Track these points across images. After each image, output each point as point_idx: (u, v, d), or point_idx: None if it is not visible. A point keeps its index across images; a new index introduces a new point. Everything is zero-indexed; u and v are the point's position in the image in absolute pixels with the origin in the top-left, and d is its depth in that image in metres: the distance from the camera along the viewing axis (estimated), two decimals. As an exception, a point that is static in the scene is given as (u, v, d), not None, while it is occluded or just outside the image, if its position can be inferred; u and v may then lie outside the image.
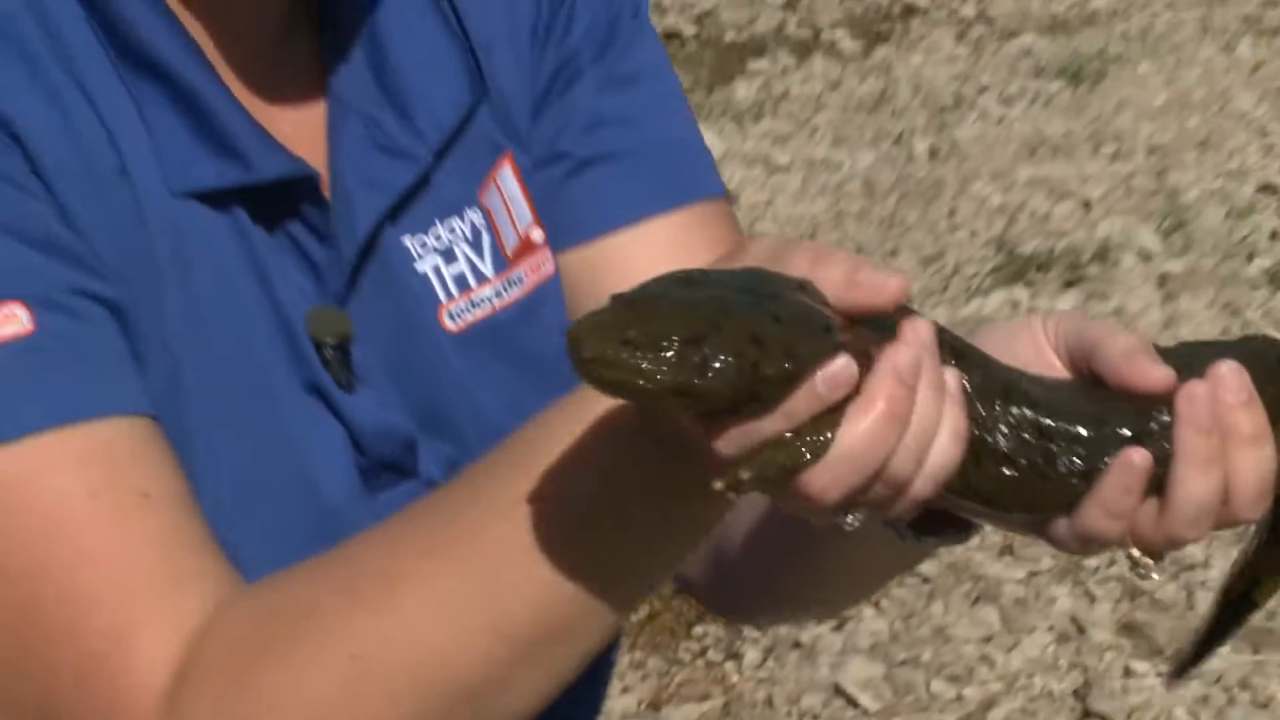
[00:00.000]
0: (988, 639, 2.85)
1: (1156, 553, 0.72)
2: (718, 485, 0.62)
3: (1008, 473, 0.67)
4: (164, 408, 0.81)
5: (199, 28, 0.84)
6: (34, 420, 0.73)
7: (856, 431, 0.61)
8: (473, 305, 0.92)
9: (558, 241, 0.97)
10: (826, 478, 0.61)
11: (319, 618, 0.73)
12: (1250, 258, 3.89)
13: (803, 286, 0.63)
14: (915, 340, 0.62)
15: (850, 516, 0.67)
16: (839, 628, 2.78)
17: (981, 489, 0.68)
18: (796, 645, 2.82)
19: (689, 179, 0.98)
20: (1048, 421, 0.68)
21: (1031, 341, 0.74)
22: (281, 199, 0.85)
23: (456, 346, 0.91)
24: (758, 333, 0.60)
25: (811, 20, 5.54)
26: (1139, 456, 0.68)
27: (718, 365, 0.59)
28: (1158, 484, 0.68)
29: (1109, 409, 0.70)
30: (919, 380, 0.62)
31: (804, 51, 5.32)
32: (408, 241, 0.89)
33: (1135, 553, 0.72)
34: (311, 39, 0.90)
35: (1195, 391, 0.69)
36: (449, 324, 0.91)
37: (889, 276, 0.64)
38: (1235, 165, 4.37)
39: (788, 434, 0.61)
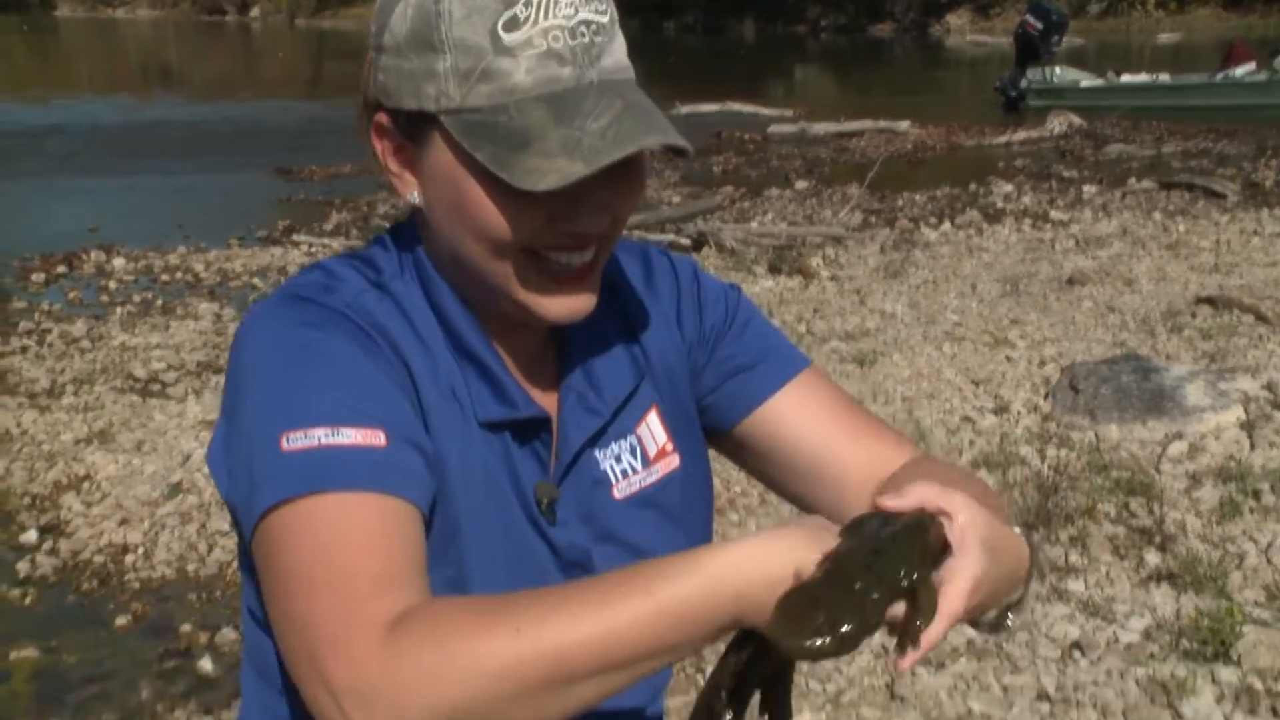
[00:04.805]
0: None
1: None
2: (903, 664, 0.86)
3: None
4: (449, 519, 1.01)
5: (497, 340, 1.07)
6: (366, 484, 0.91)
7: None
8: (630, 485, 1.13)
9: (737, 415, 1.18)
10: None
11: (504, 609, 0.85)
12: (961, 454, 4.90)
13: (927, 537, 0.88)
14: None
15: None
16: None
17: None
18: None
19: (791, 362, 1.19)
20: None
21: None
22: (530, 428, 1.07)
23: (622, 506, 1.12)
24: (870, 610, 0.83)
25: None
26: None
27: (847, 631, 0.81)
28: None
29: None
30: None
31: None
32: (598, 453, 1.12)
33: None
34: (554, 348, 1.12)
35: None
36: (617, 495, 1.12)
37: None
38: (947, 407, 5.43)
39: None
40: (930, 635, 0.88)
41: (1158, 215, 10.02)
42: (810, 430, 1.17)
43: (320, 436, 0.91)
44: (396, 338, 1.02)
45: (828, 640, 0.83)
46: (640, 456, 1.15)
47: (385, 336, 1.01)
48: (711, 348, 1.19)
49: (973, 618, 0.95)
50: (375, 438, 0.93)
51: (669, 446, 1.17)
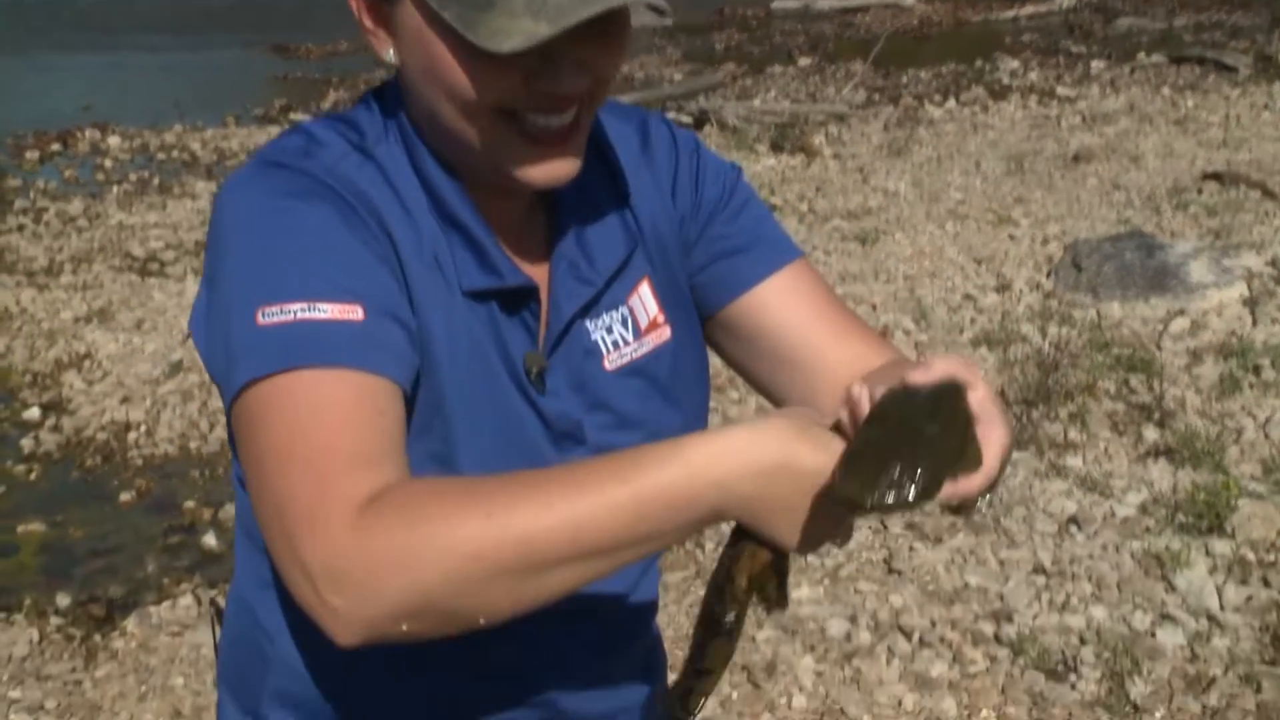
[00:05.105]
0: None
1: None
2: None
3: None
4: (436, 392, 1.00)
5: (483, 206, 1.04)
6: (341, 360, 0.89)
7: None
8: (621, 356, 1.11)
9: (723, 298, 1.16)
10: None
11: (476, 492, 0.85)
12: (962, 331, 4.95)
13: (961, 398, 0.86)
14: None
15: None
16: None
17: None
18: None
19: (783, 252, 1.17)
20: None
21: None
22: (517, 298, 1.05)
23: (613, 377, 1.10)
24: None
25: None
26: None
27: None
28: None
29: None
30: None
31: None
32: (589, 323, 1.10)
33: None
34: (543, 216, 1.10)
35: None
36: (608, 366, 1.10)
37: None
38: (949, 285, 5.48)
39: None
40: (970, 485, 0.86)
41: (1166, 90, 9.85)
42: (794, 321, 1.15)
43: (296, 311, 0.89)
44: (379, 206, 0.98)
45: (910, 490, 0.80)
46: (632, 328, 1.12)
47: (367, 205, 0.97)
48: (704, 225, 1.16)
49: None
50: (353, 312, 0.90)
51: (660, 318, 1.14)
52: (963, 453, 0.86)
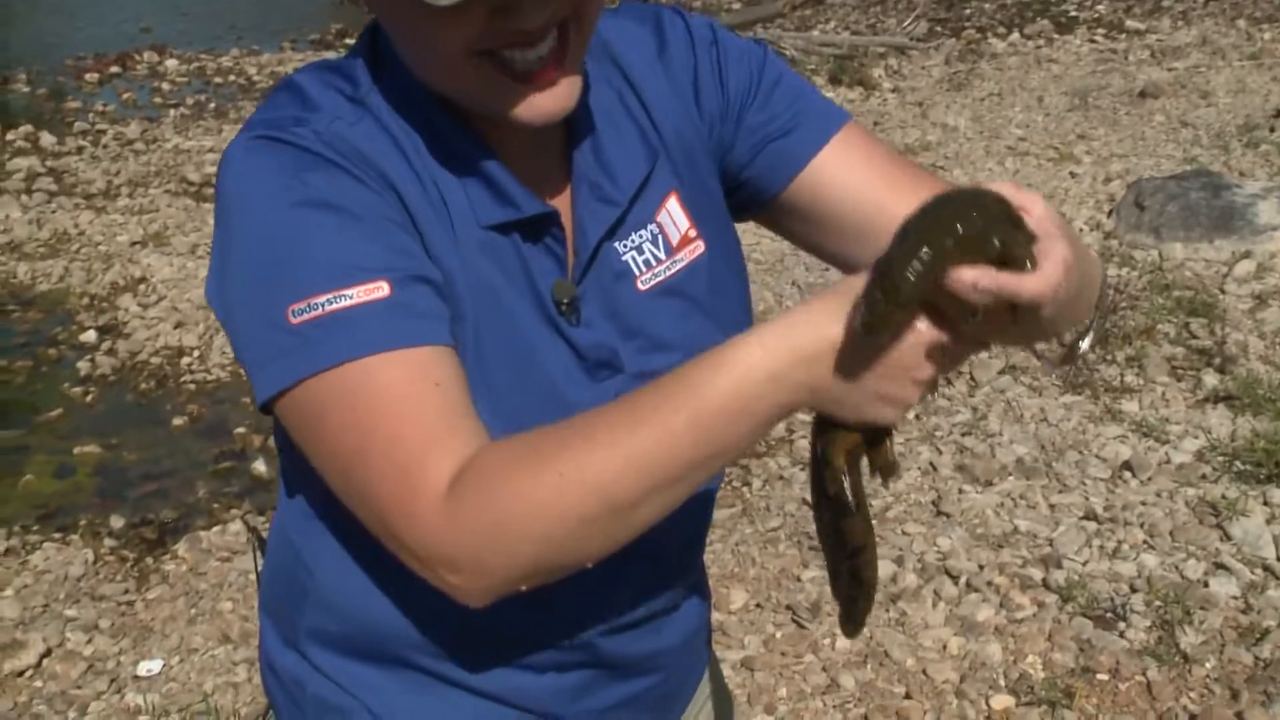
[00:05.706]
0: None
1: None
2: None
3: None
4: (462, 341, 0.97)
5: (491, 137, 1.00)
6: (382, 344, 0.88)
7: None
8: (654, 276, 1.08)
9: (779, 182, 1.10)
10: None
11: (543, 454, 0.86)
12: None
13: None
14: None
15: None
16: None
17: None
18: (780, 478, 3.49)
19: (829, 119, 1.11)
20: None
21: None
22: (538, 226, 1.01)
23: (646, 298, 1.07)
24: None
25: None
26: None
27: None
28: None
29: None
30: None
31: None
32: (617, 245, 1.06)
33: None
34: (560, 136, 1.04)
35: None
36: (641, 287, 1.07)
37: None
38: (1008, 223, 5.81)
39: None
40: (1023, 284, 0.79)
41: (1241, 22, 9.51)
42: (856, 188, 1.09)
43: (324, 303, 0.88)
44: (379, 162, 0.95)
45: (910, 275, 0.76)
46: (663, 245, 1.08)
47: (367, 166, 0.94)
48: (738, 117, 1.11)
49: (1048, 334, 0.89)
50: (378, 290, 0.89)
51: (692, 233, 1.10)
52: (1010, 249, 0.79)
